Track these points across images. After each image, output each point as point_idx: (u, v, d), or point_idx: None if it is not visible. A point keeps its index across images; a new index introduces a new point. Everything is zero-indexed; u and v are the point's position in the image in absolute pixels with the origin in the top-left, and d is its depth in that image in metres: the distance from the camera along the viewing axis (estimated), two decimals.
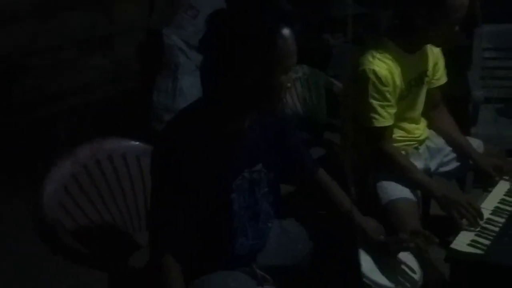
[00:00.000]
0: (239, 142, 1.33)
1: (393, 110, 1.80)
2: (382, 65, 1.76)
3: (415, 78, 1.88)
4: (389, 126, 1.80)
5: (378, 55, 1.77)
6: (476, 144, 2.05)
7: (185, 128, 1.30)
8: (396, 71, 1.80)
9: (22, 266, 2.30)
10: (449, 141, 2.00)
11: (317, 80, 2.37)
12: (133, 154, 1.72)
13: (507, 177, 1.87)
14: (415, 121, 1.97)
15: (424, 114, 2.02)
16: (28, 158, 3.14)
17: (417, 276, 1.43)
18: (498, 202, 1.77)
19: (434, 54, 1.94)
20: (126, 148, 1.72)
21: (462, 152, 1.97)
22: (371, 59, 1.77)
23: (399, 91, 1.81)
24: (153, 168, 1.30)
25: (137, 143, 1.77)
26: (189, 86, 3.47)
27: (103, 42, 3.84)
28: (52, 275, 2.19)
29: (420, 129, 1.99)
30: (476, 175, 2.17)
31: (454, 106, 2.17)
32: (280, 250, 1.49)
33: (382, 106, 1.76)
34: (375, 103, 1.75)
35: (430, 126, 2.04)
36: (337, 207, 1.46)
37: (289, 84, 1.27)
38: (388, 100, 1.76)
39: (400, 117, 1.87)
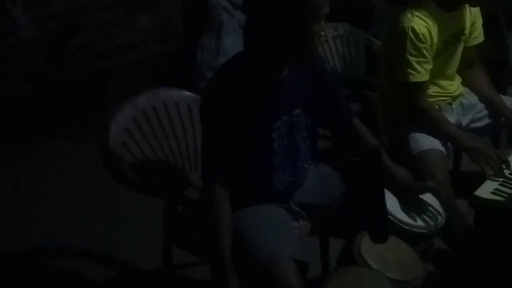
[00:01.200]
0: (280, 88, 1.47)
1: (429, 66, 1.89)
2: (421, 22, 1.85)
3: (452, 36, 1.95)
4: (424, 82, 1.90)
5: (417, 13, 1.86)
6: (509, 102, 2.12)
7: (231, 74, 1.45)
8: (434, 28, 1.88)
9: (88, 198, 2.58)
10: (483, 97, 2.07)
11: (357, 38, 2.47)
12: (184, 102, 1.89)
13: None
14: (450, 77, 2.05)
15: (460, 71, 2.10)
16: (80, 110, 3.40)
17: (439, 217, 1.56)
18: None
19: (472, 14, 2.00)
20: (178, 97, 1.90)
21: (494, 109, 2.05)
22: (410, 16, 1.85)
23: (436, 48, 1.90)
24: (204, 108, 1.46)
25: (188, 93, 1.94)
26: (232, 45, 3.57)
27: (149, 2, 3.98)
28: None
29: (455, 85, 2.08)
30: (510, 133, 2.24)
31: (492, 67, 2.23)
32: (315, 191, 1.64)
33: (419, 62, 1.86)
34: (412, 59, 1.85)
35: (465, 83, 2.11)
36: (369, 152, 1.58)
37: (323, 33, 1.37)
38: (424, 57, 1.86)
39: (435, 73, 1.97)
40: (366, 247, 1.35)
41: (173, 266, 1.88)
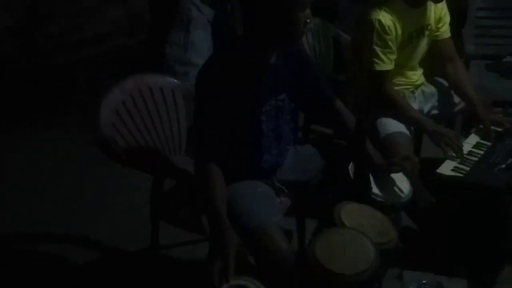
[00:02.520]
0: (269, 74, 1.59)
1: (393, 56, 2.06)
2: (387, 16, 2.01)
3: (416, 30, 2.13)
4: (389, 70, 2.07)
5: (384, 7, 2.02)
6: None
7: (225, 59, 1.56)
8: (399, 22, 2.05)
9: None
10: (461, 93, 2.20)
11: (327, 32, 2.63)
12: (169, 88, 1.99)
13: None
14: (413, 68, 2.24)
15: (424, 63, 2.27)
16: (50, 98, 3.42)
17: (404, 192, 1.72)
18: (481, 138, 2.07)
19: (439, 9, 2.15)
20: (163, 82, 1.99)
21: (469, 105, 2.17)
22: (378, 10, 2.02)
23: (401, 40, 2.07)
24: (199, 90, 1.56)
25: (172, 79, 2.04)
26: (201, 40, 3.65)
27: None
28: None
29: (417, 75, 2.26)
30: (464, 119, 2.45)
31: None
32: (296, 169, 1.78)
33: (384, 53, 2.03)
34: (378, 49, 2.02)
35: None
36: (351, 132, 1.73)
37: (308, 20, 1.48)
38: (389, 47, 2.03)
39: (400, 64, 2.14)
40: (345, 214, 1.49)
41: (159, 246, 1.97)
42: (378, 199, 1.67)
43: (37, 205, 2.49)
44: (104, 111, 1.74)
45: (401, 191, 1.73)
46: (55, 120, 3.28)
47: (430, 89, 2.30)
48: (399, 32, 2.06)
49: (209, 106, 1.52)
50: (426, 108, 2.28)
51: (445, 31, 2.20)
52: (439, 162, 1.95)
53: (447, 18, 2.19)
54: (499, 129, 2.08)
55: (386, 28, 2.01)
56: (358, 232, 1.38)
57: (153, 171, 1.78)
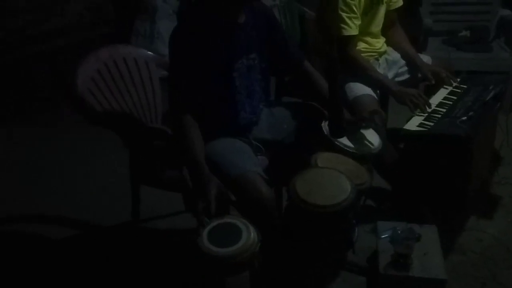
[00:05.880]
0: (238, 34, 1.66)
1: (358, 22, 2.16)
2: None
3: None
4: (354, 36, 2.17)
5: None
6: (426, 58, 2.45)
7: (196, 18, 1.62)
8: None
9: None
10: (402, 52, 2.38)
11: (292, 8, 2.72)
12: (142, 59, 2.03)
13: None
14: (375, 35, 2.35)
15: (383, 32, 2.40)
16: (13, 93, 3.39)
17: (374, 145, 1.82)
18: (442, 99, 2.19)
19: None
20: (136, 53, 2.03)
21: (411, 61, 2.35)
22: None
23: (363, 6, 2.18)
24: (172, 46, 1.61)
25: (145, 51, 2.08)
26: (167, 30, 3.69)
27: None
28: None
29: (380, 42, 2.37)
30: (426, 87, 2.58)
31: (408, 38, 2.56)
32: (271, 128, 1.84)
33: (349, 18, 2.13)
34: (344, 15, 2.12)
35: (388, 41, 2.42)
36: (320, 92, 1.81)
37: None
38: (354, 12, 2.13)
39: (363, 32, 2.25)
40: (322, 160, 1.56)
41: (139, 220, 2.00)
42: (350, 150, 1.75)
43: (16, 185, 2.48)
44: (81, 76, 1.76)
45: (371, 143, 1.82)
46: (21, 112, 3.26)
47: (393, 57, 2.42)
48: None
49: (182, 61, 1.58)
50: (390, 75, 2.39)
51: (398, 0, 2.34)
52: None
53: None
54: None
55: None
56: (335, 170, 1.45)
57: (128, 132, 1.80)
